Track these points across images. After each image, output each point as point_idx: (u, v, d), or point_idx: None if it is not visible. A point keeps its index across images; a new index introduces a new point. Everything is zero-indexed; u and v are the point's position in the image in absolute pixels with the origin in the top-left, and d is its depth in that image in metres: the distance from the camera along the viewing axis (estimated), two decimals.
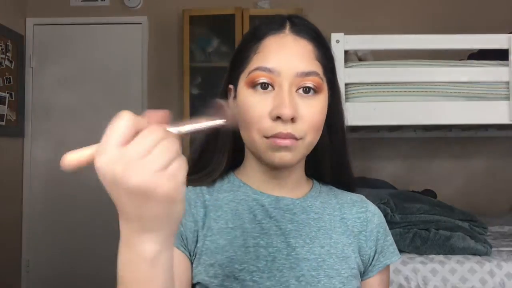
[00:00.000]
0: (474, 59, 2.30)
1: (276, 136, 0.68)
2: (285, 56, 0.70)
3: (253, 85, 0.70)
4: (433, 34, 1.95)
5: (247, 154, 0.78)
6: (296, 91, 0.70)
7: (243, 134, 0.73)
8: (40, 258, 3.19)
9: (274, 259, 0.70)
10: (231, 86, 0.76)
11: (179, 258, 0.69)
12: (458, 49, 2.05)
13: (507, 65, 1.83)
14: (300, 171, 0.78)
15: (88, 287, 3.14)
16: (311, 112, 0.70)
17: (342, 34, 1.81)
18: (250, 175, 0.77)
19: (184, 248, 0.71)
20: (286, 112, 0.67)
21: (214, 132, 0.76)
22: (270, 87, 0.70)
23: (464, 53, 2.71)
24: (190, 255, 0.71)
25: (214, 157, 0.77)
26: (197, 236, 0.71)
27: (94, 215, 3.17)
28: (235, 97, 0.75)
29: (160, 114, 0.45)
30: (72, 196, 3.21)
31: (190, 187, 0.76)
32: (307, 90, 0.70)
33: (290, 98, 0.68)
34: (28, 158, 3.24)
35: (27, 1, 3.30)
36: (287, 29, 0.73)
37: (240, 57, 0.74)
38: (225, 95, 0.78)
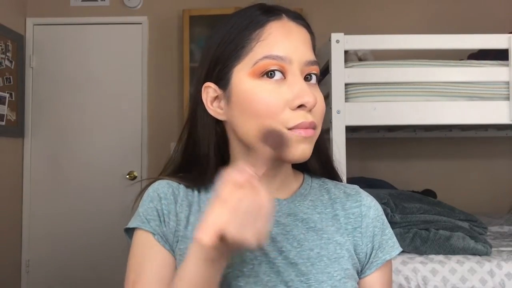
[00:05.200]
0: (474, 59, 2.30)
1: (298, 126, 0.64)
2: (293, 43, 0.67)
3: (260, 74, 0.66)
4: (433, 34, 1.95)
5: (237, 155, 0.73)
6: None
7: (250, 130, 0.67)
8: (40, 258, 3.19)
9: (260, 263, 0.67)
10: (209, 84, 0.71)
11: (170, 258, 0.69)
12: (458, 49, 2.05)
13: (507, 65, 1.83)
14: (289, 167, 0.75)
15: (88, 287, 3.14)
16: (319, 100, 0.68)
17: (342, 34, 1.81)
18: None
19: (169, 248, 0.69)
20: (311, 100, 0.64)
21: (197, 132, 0.73)
22: (278, 75, 0.66)
23: (464, 53, 2.71)
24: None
25: (201, 156, 0.73)
26: (178, 236, 0.69)
27: (94, 215, 3.17)
28: (217, 97, 0.71)
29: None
30: (72, 196, 3.21)
31: (182, 185, 0.73)
32: (309, 77, 0.68)
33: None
34: (28, 158, 3.24)
35: (27, 1, 3.30)
36: (284, 16, 0.69)
37: (231, 49, 0.68)
38: (198, 96, 0.72)
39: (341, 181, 0.82)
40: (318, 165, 0.79)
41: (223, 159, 0.75)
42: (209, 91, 0.71)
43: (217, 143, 0.73)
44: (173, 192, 0.72)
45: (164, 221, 0.70)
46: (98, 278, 3.09)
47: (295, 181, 0.77)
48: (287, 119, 0.64)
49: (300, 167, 0.79)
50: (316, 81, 0.70)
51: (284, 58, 0.65)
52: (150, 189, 0.73)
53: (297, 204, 0.73)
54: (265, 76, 0.66)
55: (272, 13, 0.69)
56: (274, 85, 0.65)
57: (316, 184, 0.78)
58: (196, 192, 0.73)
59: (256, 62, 0.66)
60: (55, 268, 3.17)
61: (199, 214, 0.71)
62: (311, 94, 0.64)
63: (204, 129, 0.72)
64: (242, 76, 0.67)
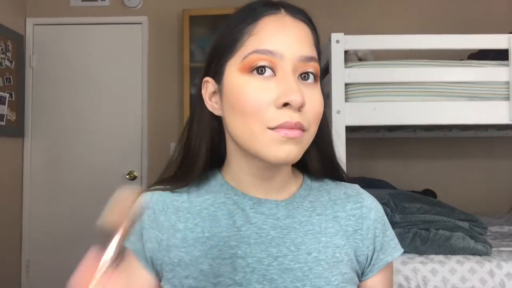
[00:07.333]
0: (474, 59, 2.30)
1: (282, 126, 0.60)
2: (287, 38, 0.63)
3: (250, 70, 0.62)
4: (433, 34, 1.95)
5: (231, 152, 0.70)
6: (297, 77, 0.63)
7: (236, 127, 0.64)
8: (40, 258, 3.19)
9: (253, 270, 0.65)
10: (207, 79, 0.69)
11: (145, 278, 0.68)
12: (458, 49, 2.05)
13: (507, 65, 1.83)
14: (288, 168, 0.72)
15: None
16: (314, 100, 0.63)
17: (342, 34, 1.81)
18: (234, 174, 0.71)
19: (147, 264, 0.68)
20: (297, 98, 0.59)
21: (191, 132, 0.72)
22: (269, 72, 0.62)
23: (464, 53, 2.71)
24: (153, 264, 0.69)
25: (189, 159, 0.71)
26: (166, 245, 0.68)
27: (95, 215, 3.17)
28: (215, 92, 0.69)
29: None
30: (72, 196, 3.21)
31: (167, 192, 0.71)
32: (306, 76, 0.64)
33: (297, 83, 0.61)
34: (28, 158, 3.24)
35: (27, 1, 3.30)
36: (283, 10, 0.65)
37: (226, 43, 0.66)
38: (200, 92, 0.71)
39: (344, 177, 0.79)
40: (320, 165, 0.76)
41: (220, 156, 0.74)
42: (208, 86, 0.69)
43: (211, 139, 0.71)
44: (156, 201, 0.70)
45: (144, 234, 0.69)
46: None
47: (295, 182, 0.74)
48: (270, 117, 0.60)
49: (301, 167, 0.77)
50: (316, 80, 0.65)
51: (274, 53, 0.61)
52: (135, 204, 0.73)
53: (296, 206, 0.71)
54: (255, 72, 0.62)
55: (269, 7, 0.66)
56: (262, 82, 0.62)
57: (316, 184, 0.75)
58: (184, 195, 0.71)
59: (246, 57, 0.62)
60: (55, 268, 3.17)
61: (190, 220, 0.69)
62: (298, 93, 0.60)
63: (200, 124, 0.71)
64: (233, 71, 0.64)
